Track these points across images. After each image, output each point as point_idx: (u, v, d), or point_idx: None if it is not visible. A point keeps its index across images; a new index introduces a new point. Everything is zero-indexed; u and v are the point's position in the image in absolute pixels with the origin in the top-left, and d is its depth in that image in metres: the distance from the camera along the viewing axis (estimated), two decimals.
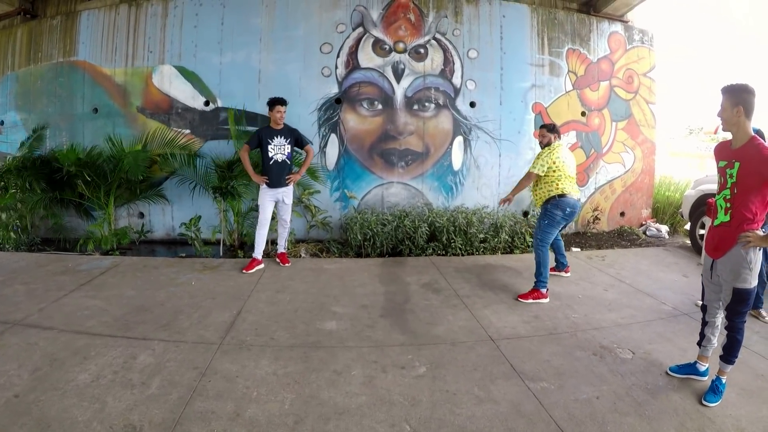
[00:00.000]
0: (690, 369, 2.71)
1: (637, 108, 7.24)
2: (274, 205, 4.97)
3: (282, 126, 4.89)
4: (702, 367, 2.67)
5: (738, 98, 2.30)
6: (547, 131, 4.37)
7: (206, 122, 6.14)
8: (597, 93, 6.97)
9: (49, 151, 6.55)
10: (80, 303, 4.04)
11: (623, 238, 6.79)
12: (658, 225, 7.11)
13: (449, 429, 2.28)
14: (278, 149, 4.82)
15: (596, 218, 6.95)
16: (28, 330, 3.48)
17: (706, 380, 2.62)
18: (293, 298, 4.16)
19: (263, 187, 4.87)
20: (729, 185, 2.39)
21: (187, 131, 6.14)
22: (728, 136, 2.49)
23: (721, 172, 2.46)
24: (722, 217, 2.46)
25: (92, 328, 3.50)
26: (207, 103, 6.14)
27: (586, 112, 6.90)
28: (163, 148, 5.92)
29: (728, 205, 2.41)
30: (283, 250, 5.21)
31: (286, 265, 5.07)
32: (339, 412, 2.43)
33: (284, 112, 4.84)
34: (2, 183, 6.43)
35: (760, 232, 2.34)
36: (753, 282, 2.40)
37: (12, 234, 6.16)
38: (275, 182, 4.84)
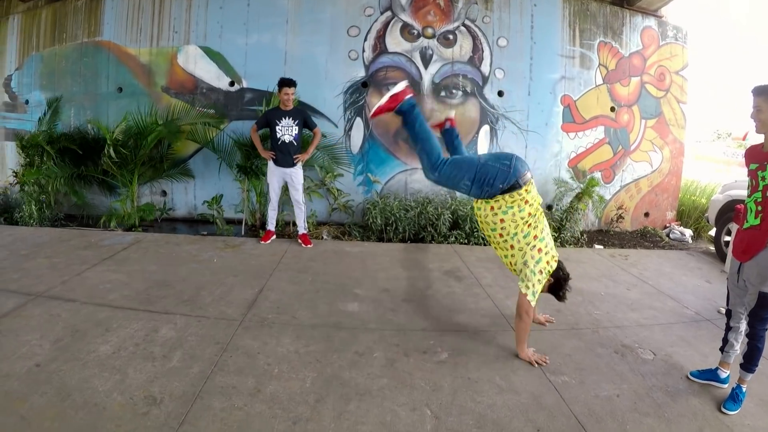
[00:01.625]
0: (711, 375, 2.72)
1: (668, 107, 7.17)
2: (282, 183, 5.13)
3: (290, 107, 4.99)
4: (723, 374, 2.68)
5: None
6: None
7: (231, 102, 6.22)
8: (627, 89, 6.92)
9: (74, 128, 6.69)
10: (103, 277, 4.14)
11: (646, 239, 6.74)
12: (682, 228, 7.03)
13: (470, 416, 2.30)
14: (286, 130, 4.95)
15: (620, 217, 6.89)
16: (50, 302, 3.57)
17: (726, 388, 2.63)
18: (315, 279, 4.21)
19: (270, 165, 5.05)
20: (761, 188, 2.38)
21: (212, 111, 6.22)
22: (758, 138, 2.49)
23: (752, 174, 2.45)
24: (752, 221, 2.45)
25: (114, 301, 3.58)
26: (232, 84, 6.22)
27: (616, 107, 6.85)
28: (189, 125, 6.02)
29: (759, 208, 2.40)
30: (304, 231, 5.28)
31: (308, 246, 5.15)
32: (360, 393, 2.46)
33: (291, 94, 4.92)
34: (28, 159, 6.60)
35: None
36: None
37: (35, 209, 6.28)
38: (282, 162, 4.99)
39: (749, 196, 2.49)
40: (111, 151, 5.73)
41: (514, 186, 2.73)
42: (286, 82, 4.91)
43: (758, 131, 2.43)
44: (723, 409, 2.44)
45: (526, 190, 2.77)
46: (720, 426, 2.32)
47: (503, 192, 2.75)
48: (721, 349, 2.70)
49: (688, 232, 6.89)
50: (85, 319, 3.22)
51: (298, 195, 5.15)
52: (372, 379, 2.58)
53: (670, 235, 6.85)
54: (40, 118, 6.89)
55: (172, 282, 3.98)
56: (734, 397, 2.49)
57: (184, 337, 2.98)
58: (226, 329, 3.13)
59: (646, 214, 7.20)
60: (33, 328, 3.11)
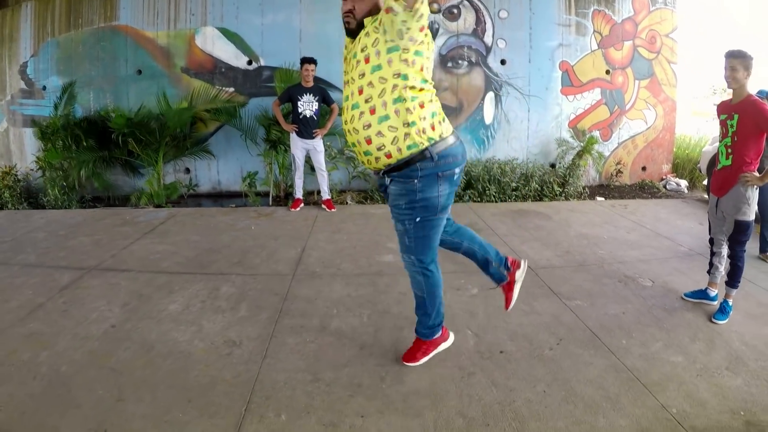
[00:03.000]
0: (702, 294, 3.25)
1: (660, 67, 7.76)
2: (305, 153, 5.64)
3: (311, 84, 5.49)
4: (712, 293, 3.21)
5: (748, 63, 2.89)
6: None
7: (249, 80, 6.72)
8: (621, 52, 7.49)
9: (95, 111, 7.13)
10: (150, 248, 4.49)
11: (644, 191, 7.39)
12: (677, 180, 7.70)
13: (503, 332, 2.83)
14: (307, 105, 5.45)
15: (619, 172, 7.55)
16: (105, 273, 3.89)
17: (716, 304, 3.15)
18: (349, 237, 4.68)
19: (293, 137, 5.54)
20: (730, 134, 2.98)
21: (231, 89, 6.72)
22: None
23: (723, 124, 3.06)
24: (724, 162, 3.04)
25: (169, 268, 3.92)
26: (250, 62, 6.71)
27: (611, 70, 7.44)
28: (209, 103, 6.50)
29: (729, 151, 2.99)
30: (328, 197, 5.80)
31: (332, 210, 5.69)
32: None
33: (312, 70, 5.42)
34: (49, 143, 7.03)
35: (756, 174, 2.94)
36: (751, 215, 2.97)
37: (59, 193, 6.72)
38: (305, 134, 5.48)
39: (720, 141, 3.10)
40: (134, 132, 6.22)
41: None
42: (307, 60, 5.41)
43: (730, 86, 3.00)
44: (713, 320, 2.96)
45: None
46: (711, 332, 2.84)
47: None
48: (708, 272, 3.26)
49: (684, 183, 7.55)
50: (146, 285, 3.58)
51: (320, 163, 5.66)
52: None
53: (667, 187, 7.51)
54: (56, 104, 7.28)
55: (218, 248, 4.38)
56: (722, 310, 3.02)
57: (245, 292, 3.37)
58: (281, 282, 3.57)
59: (644, 168, 7.86)
60: (97, 296, 3.43)
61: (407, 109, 1.95)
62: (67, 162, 6.88)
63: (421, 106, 1.99)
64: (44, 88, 7.64)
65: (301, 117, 5.43)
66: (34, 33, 7.79)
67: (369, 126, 1.98)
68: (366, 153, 2.07)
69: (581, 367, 2.48)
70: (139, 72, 7.01)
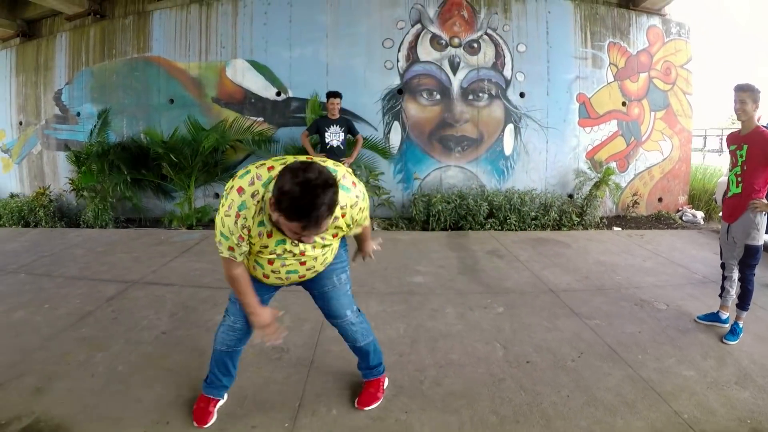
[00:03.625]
0: (714, 317, 3.44)
1: (675, 98, 8.01)
2: None
3: (337, 116, 5.83)
4: (723, 315, 3.39)
5: (756, 96, 3.12)
6: None
7: (278, 111, 7.08)
8: (637, 84, 7.76)
9: (127, 138, 7.53)
10: (189, 266, 4.80)
11: (660, 221, 7.57)
12: (693, 211, 7.87)
13: (529, 346, 3.10)
14: (334, 136, 5.79)
15: (635, 202, 7.74)
16: (149, 286, 4.20)
17: (727, 326, 3.32)
18: (379, 260, 4.83)
19: None
20: (740, 163, 3.21)
21: (261, 119, 7.08)
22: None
23: (733, 154, 3.29)
24: (734, 189, 3.26)
25: (210, 284, 4.24)
26: (278, 94, 7.08)
27: (627, 102, 7.69)
28: (241, 133, 6.86)
29: (739, 179, 3.22)
30: None
31: None
32: (443, 335, 3.26)
33: (338, 104, 5.77)
34: (84, 167, 7.43)
35: (765, 201, 3.14)
36: (760, 240, 3.15)
37: (99, 211, 7.07)
38: None
39: (730, 170, 3.32)
40: (170, 156, 6.56)
41: None
42: (332, 94, 5.77)
43: (739, 119, 3.23)
44: (724, 340, 3.16)
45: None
46: (721, 352, 3.05)
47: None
48: (720, 296, 3.45)
49: (700, 214, 7.71)
50: (190, 298, 3.88)
51: None
52: (449, 326, 3.40)
53: (683, 218, 7.69)
54: (91, 130, 7.70)
55: None
56: (733, 331, 3.21)
57: (287, 306, 3.48)
58: None
59: (660, 199, 8.05)
60: (144, 306, 3.71)
61: None
62: (100, 184, 7.26)
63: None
64: (78, 114, 8.10)
65: (328, 147, 5.76)
66: (68, 62, 8.30)
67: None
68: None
69: (601, 376, 2.74)
70: (171, 101, 7.41)
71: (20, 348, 3.06)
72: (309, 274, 2.20)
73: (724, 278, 3.45)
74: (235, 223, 1.78)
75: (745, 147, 3.16)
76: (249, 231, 1.82)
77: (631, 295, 4.04)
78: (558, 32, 7.35)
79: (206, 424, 2.29)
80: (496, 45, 7.14)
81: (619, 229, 6.87)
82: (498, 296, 3.98)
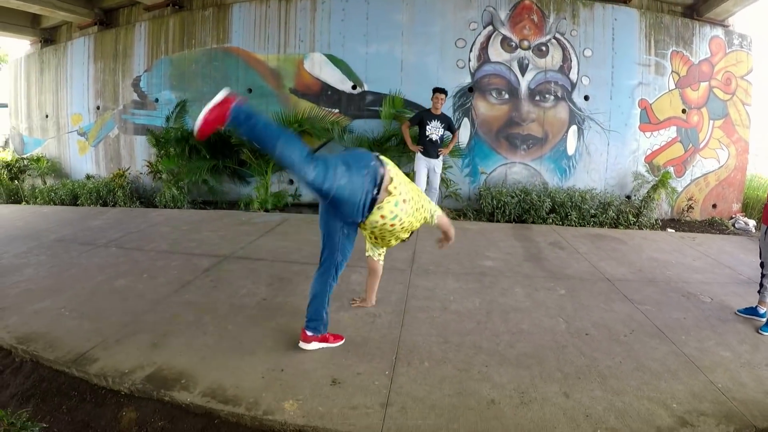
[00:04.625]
0: (752, 311, 3.73)
1: (734, 108, 8.26)
2: (427, 171, 6.37)
3: (440, 112, 6.29)
4: (762, 310, 3.67)
5: None
6: None
7: (353, 104, 7.60)
8: (697, 93, 8.05)
9: None
10: (275, 244, 5.27)
11: (713, 227, 7.82)
12: (746, 219, 8.11)
13: (588, 322, 3.55)
14: (434, 130, 6.26)
15: (690, 207, 8.03)
16: (241, 260, 4.67)
17: (764, 320, 3.61)
18: (451, 246, 5.39)
19: (418, 156, 6.30)
20: None
21: (336, 110, 7.60)
22: None
23: None
24: None
25: (298, 260, 4.71)
26: (354, 87, 7.59)
27: (687, 109, 7.99)
28: (319, 122, 7.39)
29: None
30: None
31: None
32: (514, 309, 3.73)
33: (443, 99, 6.24)
34: (163, 151, 8.03)
35: None
36: None
37: (176, 193, 7.66)
38: (429, 154, 6.28)
39: None
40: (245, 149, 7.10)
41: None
42: (439, 90, 6.26)
43: None
44: (760, 331, 3.48)
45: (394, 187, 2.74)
46: (756, 340, 3.39)
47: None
48: (758, 292, 3.73)
49: (752, 223, 7.94)
50: (282, 271, 4.31)
51: (437, 182, 6.49)
52: (519, 303, 3.86)
53: (736, 225, 7.94)
54: (168, 116, 8.30)
55: None
56: None
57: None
58: (402, 275, 4.34)
59: (714, 206, 8.33)
60: (240, 276, 4.11)
61: None
62: (177, 168, 7.84)
63: None
64: (156, 100, 8.73)
65: (427, 139, 6.23)
66: (147, 50, 8.93)
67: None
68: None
69: (648, 350, 3.16)
70: (250, 90, 7.96)
71: (129, 311, 3.54)
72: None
73: (762, 276, 3.73)
74: None
75: None
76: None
77: (680, 288, 4.42)
78: (623, 39, 7.70)
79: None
80: (564, 49, 7.53)
81: (673, 231, 7.16)
82: (560, 281, 4.43)
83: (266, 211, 7.18)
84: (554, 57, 7.50)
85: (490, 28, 7.43)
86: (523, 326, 3.44)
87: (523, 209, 6.86)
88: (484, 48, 7.43)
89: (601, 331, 3.41)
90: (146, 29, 8.97)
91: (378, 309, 3.59)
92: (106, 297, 3.82)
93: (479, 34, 7.43)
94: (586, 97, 7.60)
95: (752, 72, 8.41)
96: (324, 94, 7.67)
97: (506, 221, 6.91)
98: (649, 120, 7.84)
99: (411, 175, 6.40)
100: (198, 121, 2.29)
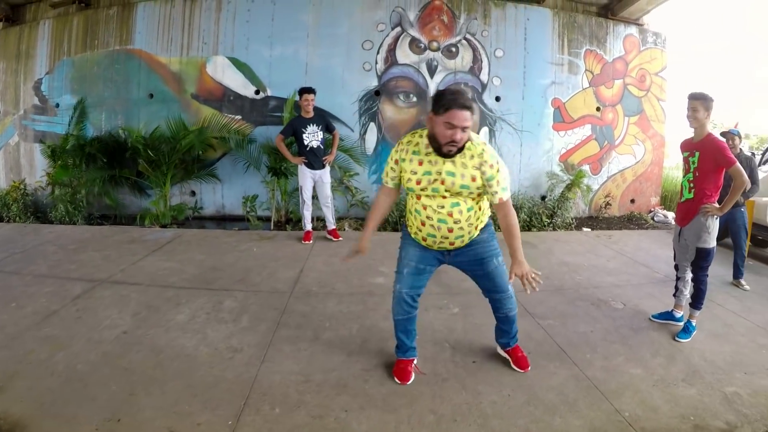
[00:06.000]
0: (668, 315, 3.65)
1: (649, 105, 8.47)
2: (313, 184, 5.81)
3: (312, 114, 5.65)
4: (677, 314, 3.60)
5: (709, 105, 3.36)
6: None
7: (256, 109, 7.37)
8: (611, 90, 8.19)
9: (105, 132, 7.73)
10: (157, 265, 4.97)
11: (632, 222, 8.02)
12: (665, 212, 8.35)
13: (478, 346, 3.25)
14: (312, 136, 5.63)
15: (608, 204, 8.20)
16: (116, 285, 4.35)
17: (681, 325, 3.49)
18: (344, 261, 5.25)
19: (302, 169, 5.71)
20: (692, 170, 3.46)
21: (239, 117, 7.37)
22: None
23: (686, 160, 3.55)
24: (687, 195, 3.47)
25: (175, 283, 4.38)
26: (257, 92, 7.37)
27: (601, 107, 8.13)
28: (219, 131, 7.14)
29: (692, 185, 3.45)
30: (333, 227, 6.06)
31: (339, 239, 5.98)
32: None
33: (312, 100, 5.58)
34: (60, 161, 7.61)
35: (716, 205, 3.41)
36: (711, 243, 3.36)
37: (71, 208, 7.25)
38: (315, 165, 5.70)
39: (683, 176, 3.57)
40: (148, 152, 6.76)
41: None
42: (306, 90, 5.59)
43: (691, 126, 3.37)
44: (676, 339, 3.33)
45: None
46: (672, 349, 3.21)
47: None
48: (674, 295, 3.67)
49: (671, 215, 8.14)
50: (155, 297, 4.03)
51: (327, 193, 5.90)
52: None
53: (655, 218, 8.14)
54: (69, 122, 7.87)
55: (222, 267, 4.86)
56: (685, 329, 3.38)
57: (246, 306, 3.83)
58: (280, 299, 4.06)
59: (632, 201, 8.53)
60: (108, 305, 3.84)
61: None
62: (75, 179, 7.45)
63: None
64: (57, 105, 8.23)
65: (308, 149, 5.62)
66: (50, 51, 8.38)
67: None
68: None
69: (545, 376, 2.88)
70: (151, 96, 7.64)
71: None
72: (458, 242, 2.69)
73: (677, 279, 3.67)
74: (396, 150, 2.59)
75: (698, 154, 3.35)
76: (398, 162, 2.58)
77: (590, 294, 4.27)
78: (536, 39, 7.76)
79: (408, 381, 2.81)
80: (474, 49, 7.52)
81: (589, 229, 7.28)
82: (455, 297, 4.14)
83: (164, 226, 6.89)
84: (464, 58, 7.48)
85: (398, 29, 7.34)
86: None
87: None
88: (392, 50, 7.34)
89: (491, 357, 3.12)
90: (50, 28, 8.42)
91: (241, 341, 3.33)
92: None
93: (387, 35, 7.33)
94: (498, 98, 7.62)
95: (666, 68, 8.62)
96: (226, 99, 7.42)
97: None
98: (562, 119, 7.94)
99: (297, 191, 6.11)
100: None
